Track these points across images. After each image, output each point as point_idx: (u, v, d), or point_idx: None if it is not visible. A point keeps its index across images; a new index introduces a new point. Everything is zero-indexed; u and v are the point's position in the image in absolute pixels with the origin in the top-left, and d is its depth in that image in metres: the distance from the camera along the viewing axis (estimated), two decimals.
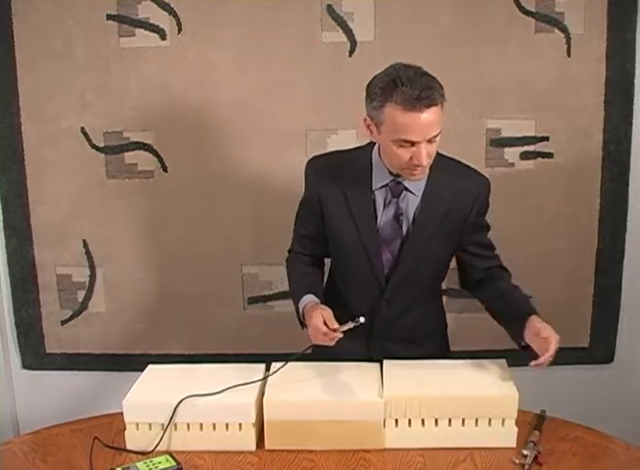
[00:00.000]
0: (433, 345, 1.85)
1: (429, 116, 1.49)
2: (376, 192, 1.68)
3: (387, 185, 1.68)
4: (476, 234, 1.76)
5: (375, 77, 1.57)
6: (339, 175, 1.71)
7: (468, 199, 1.70)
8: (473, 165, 1.77)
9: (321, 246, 1.81)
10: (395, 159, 1.57)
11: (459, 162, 1.74)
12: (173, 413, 1.54)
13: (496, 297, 1.76)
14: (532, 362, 1.55)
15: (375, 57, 2.29)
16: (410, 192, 1.68)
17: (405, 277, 1.72)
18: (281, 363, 1.66)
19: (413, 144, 1.52)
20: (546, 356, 1.53)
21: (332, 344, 1.58)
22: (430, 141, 1.53)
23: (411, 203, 1.68)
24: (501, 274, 1.80)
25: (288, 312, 2.47)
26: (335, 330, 1.56)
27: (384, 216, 1.69)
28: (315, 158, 1.80)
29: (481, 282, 1.80)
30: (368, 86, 1.58)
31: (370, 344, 1.78)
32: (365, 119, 1.60)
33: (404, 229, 1.69)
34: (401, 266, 1.70)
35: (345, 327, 1.58)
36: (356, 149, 1.78)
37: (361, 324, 1.58)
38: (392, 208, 1.68)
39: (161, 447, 1.55)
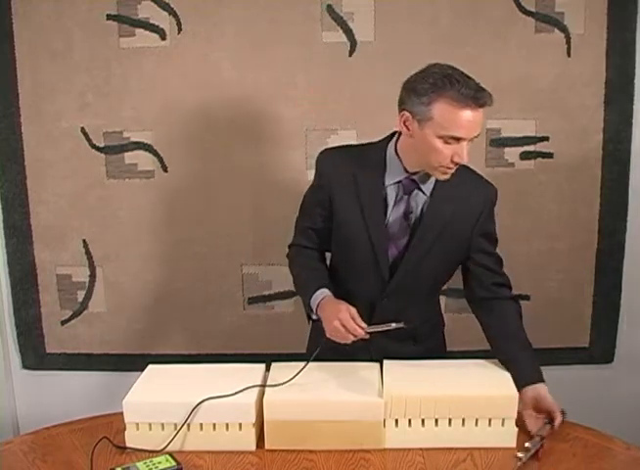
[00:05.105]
0: (431, 343, 1.86)
1: (479, 115, 1.53)
2: (388, 188, 1.69)
3: (400, 182, 1.68)
4: (485, 243, 1.75)
5: (417, 75, 1.58)
6: (351, 167, 1.71)
7: (475, 205, 1.72)
8: (481, 173, 1.77)
9: (325, 239, 1.81)
10: (436, 155, 1.57)
11: (469, 168, 1.73)
12: (190, 414, 1.54)
13: (502, 335, 1.73)
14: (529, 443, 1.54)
15: (375, 57, 2.30)
16: (421, 191, 1.69)
17: (408, 275, 1.72)
18: (301, 363, 1.65)
19: (458, 142, 1.54)
20: (557, 423, 1.60)
21: (349, 342, 1.60)
22: (470, 140, 1.57)
23: (420, 202, 1.69)
24: (510, 308, 1.77)
25: (288, 312, 2.49)
26: (362, 328, 1.59)
27: (393, 213, 1.69)
28: (328, 149, 1.81)
29: (487, 303, 1.77)
30: (410, 82, 1.58)
31: (369, 340, 1.74)
32: (403, 114, 1.59)
33: (412, 227, 1.70)
34: (405, 264, 1.71)
35: (374, 329, 1.60)
36: (370, 144, 1.77)
37: (394, 329, 1.61)
38: (403, 205, 1.69)
39: (161, 448, 1.55)
